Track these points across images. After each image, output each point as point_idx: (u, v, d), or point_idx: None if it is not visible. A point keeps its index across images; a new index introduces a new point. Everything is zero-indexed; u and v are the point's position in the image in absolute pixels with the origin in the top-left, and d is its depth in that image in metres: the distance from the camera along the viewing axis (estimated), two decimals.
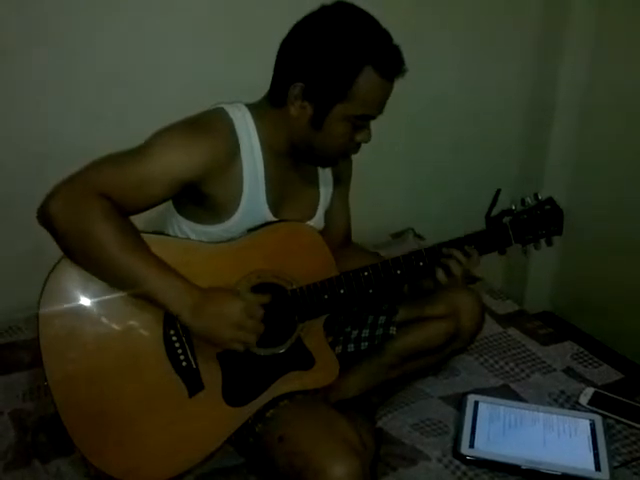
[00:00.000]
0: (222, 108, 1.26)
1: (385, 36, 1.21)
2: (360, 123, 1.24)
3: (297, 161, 1.34)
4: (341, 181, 1.49)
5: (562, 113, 2.37)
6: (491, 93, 2.35)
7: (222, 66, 1.90)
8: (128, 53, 1.82)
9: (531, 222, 1.38)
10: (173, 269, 1.16)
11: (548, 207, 1.38)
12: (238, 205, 1.26)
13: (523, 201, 1.38)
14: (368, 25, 1.20)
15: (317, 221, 1.41)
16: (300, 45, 1.21)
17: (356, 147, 1.30)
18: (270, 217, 1.30)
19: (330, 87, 1.19)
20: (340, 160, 1.34)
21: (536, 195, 1.39)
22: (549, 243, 1.41)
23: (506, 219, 1.38)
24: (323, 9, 1.21)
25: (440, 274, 1.33)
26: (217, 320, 1.16)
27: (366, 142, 1.28)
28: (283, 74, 1.24)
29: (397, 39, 1.22)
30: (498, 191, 1.37)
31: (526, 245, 1.40)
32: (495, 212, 1.38)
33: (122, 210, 1.16)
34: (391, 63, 1.20)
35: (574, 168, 2.43)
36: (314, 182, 1.42)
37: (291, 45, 1.23)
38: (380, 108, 1.25)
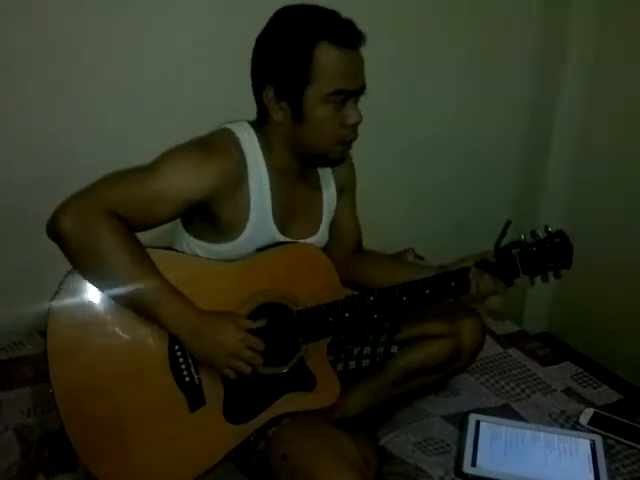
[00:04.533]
0: (229, 128, 1.28)
1: (332, 12, 1.22)
2: (337, 100, 1.20)
3: (301, 175, 1.35)
4: (345, 190, 1.49)
5: (560, 136, 2.39)
6: (491, 116, 2.37)
7: (231, 84, 1.90)
8: (135, 70, 1.82)
9: (540, 255, 1.35)
10: (177, 290, 1.18)
11: (558, 240, 1.35)
12: (246, 223, 1.27)
13: (533, 233, 1.36)
14: (313, 8, 1.22)
15: (321, 236, 1.42)
16: (258, 52, 1.25)
17: (352, 131, 1.26)
18: (277, 234, 1.32)
19: (292, 73, 1.19)
20: (344, 149, 1.29)
21: (546, 227, 1.36)
22: (557, 276, 1.38)
23: (515, 251, 1.35)
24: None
25: (473, 288, 1.33)
26: (214, 346, 1.18)
27: (357, 123, 1.24)
28: (256, 88, 1.26)
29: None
30: (508, 223, 1.34)
31: (534, 277, 1.39)
32: (504, 243, 1.36)
33: (129, 227, 1.17)
34: (344, 32, 1.19)
35: (572, 190, 2.46)
36: (318, 197, 1.43)
37: (254, 59, 1.26)
38: (353, 81, 1.21)
